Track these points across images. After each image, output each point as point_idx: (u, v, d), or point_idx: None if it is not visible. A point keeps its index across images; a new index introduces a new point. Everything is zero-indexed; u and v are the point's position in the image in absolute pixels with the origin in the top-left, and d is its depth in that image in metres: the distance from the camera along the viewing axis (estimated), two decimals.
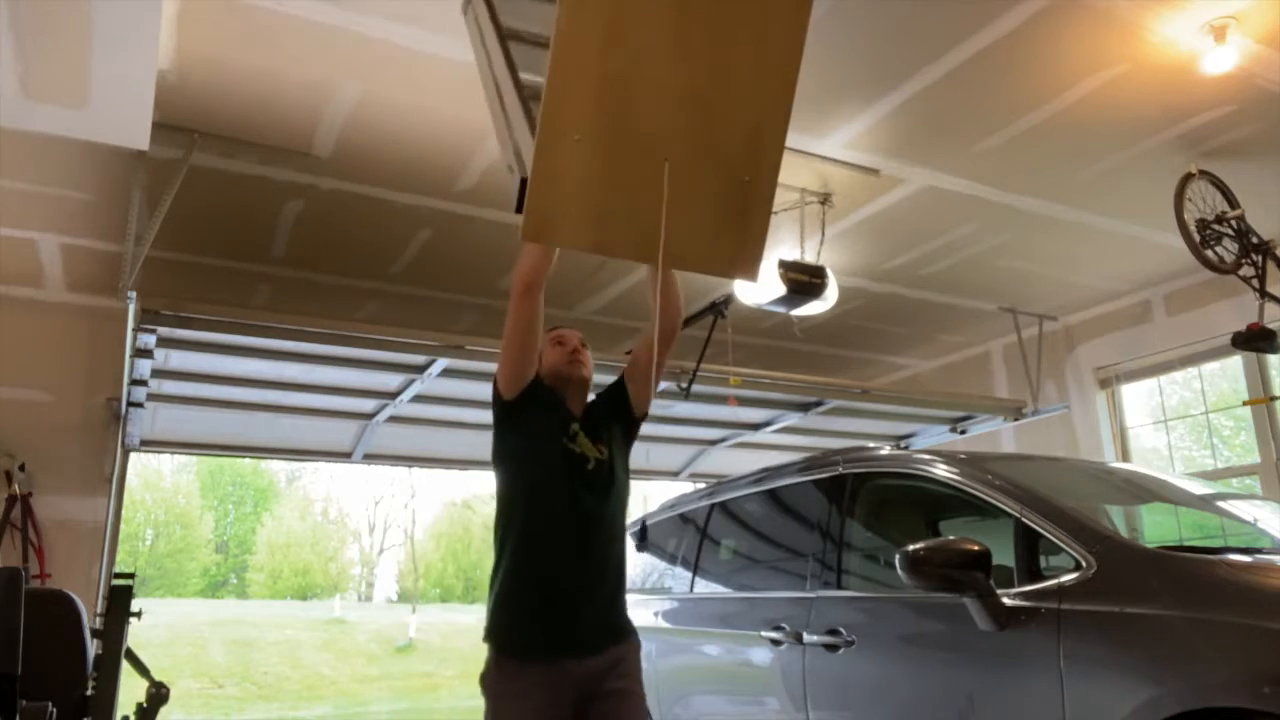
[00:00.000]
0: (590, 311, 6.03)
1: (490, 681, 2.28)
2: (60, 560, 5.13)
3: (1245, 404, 5.60)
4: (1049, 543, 2.46)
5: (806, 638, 3.08)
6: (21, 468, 5.13)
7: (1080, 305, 6.34)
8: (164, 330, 4.03)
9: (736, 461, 6.76)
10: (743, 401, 5.77)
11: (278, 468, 33.30)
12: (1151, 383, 6.28)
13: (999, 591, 2.40)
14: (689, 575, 4.08)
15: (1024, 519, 2.55)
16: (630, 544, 4.23)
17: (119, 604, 3.18)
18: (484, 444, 6.83)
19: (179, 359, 4.66)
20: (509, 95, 2.04)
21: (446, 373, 4.88)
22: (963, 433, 6.61)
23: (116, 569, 5.29)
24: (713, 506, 4.14)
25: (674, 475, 7.55)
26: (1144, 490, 3.24)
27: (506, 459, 2.44)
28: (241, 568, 32.55)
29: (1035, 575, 2.44)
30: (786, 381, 5.51)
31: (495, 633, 2.31)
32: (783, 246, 4.75)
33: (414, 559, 31.81)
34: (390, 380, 5.14)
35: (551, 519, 2.32)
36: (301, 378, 5.04)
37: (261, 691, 19.03)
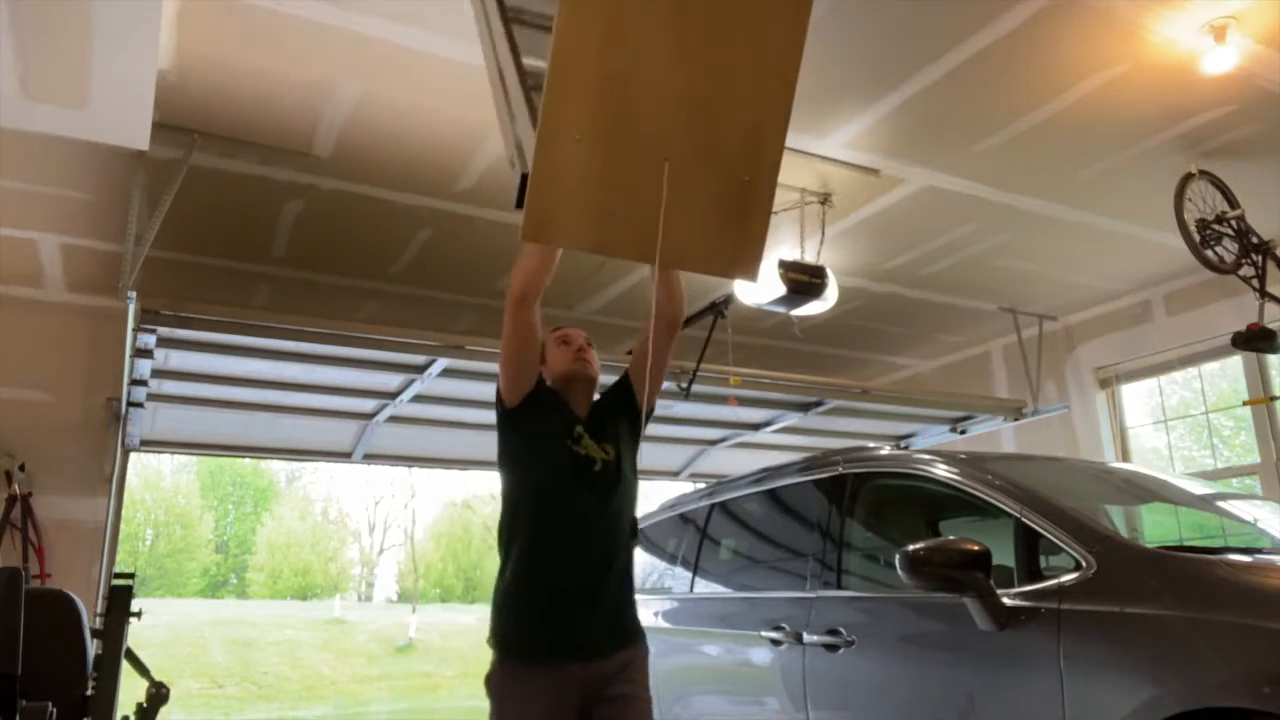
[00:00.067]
0: (590, 311, 6.03)
1: (495, 684, 2.26)
2: (60, 560, 5.13)
3: (1245, 404, 5.60)
4: (1049, 543, 2.46)
5: (806, 638, 3.08)
6: (21, 468, 5.13)
7: (1080, 305, 6.34)
8: (164, 330, 4.03)
9: (736, 461, 6.76)
10: (743, 401, 5.77)
11: (278, 468, 33.32)
12: (1151, 383, 6.28)
13: (999, 591, 2.40)
14: (689, 575, 4.08)
15: (1024, 519, 2.55)
16: None
17: (119, 604, 3.18)
18: (484, 444, 6.85)
19: (179, 359, 4.66)
20: (512, 84, 2.03)
21: (446, 373, 4.88)
22: (963, 433, 6.61)
23: (116, 569, 5.29)
24: (713, 506, 4.14)
25: (674, 475, 7.55)
26: (1144, 490, 3.24)
27: (511, 462, 2.42)
28: (241, 568, 32.55)
29: (1035, 575, 2.45)
30: (786, 381, 5.52)
31: (500, 635, 2.29)
32: (783, 246, 4.75)
33: (414, 559, 31.82)
34: (390, 380, 5.14)
35: (557, 522, 2.30)
36: (301, 378, 5.04)
37: (261, 691, 19.03)
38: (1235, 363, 5.70)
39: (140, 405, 4.85)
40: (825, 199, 4.64)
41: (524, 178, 1.78)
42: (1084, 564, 2.32)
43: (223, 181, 4.28)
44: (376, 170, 4.26)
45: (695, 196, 1.85)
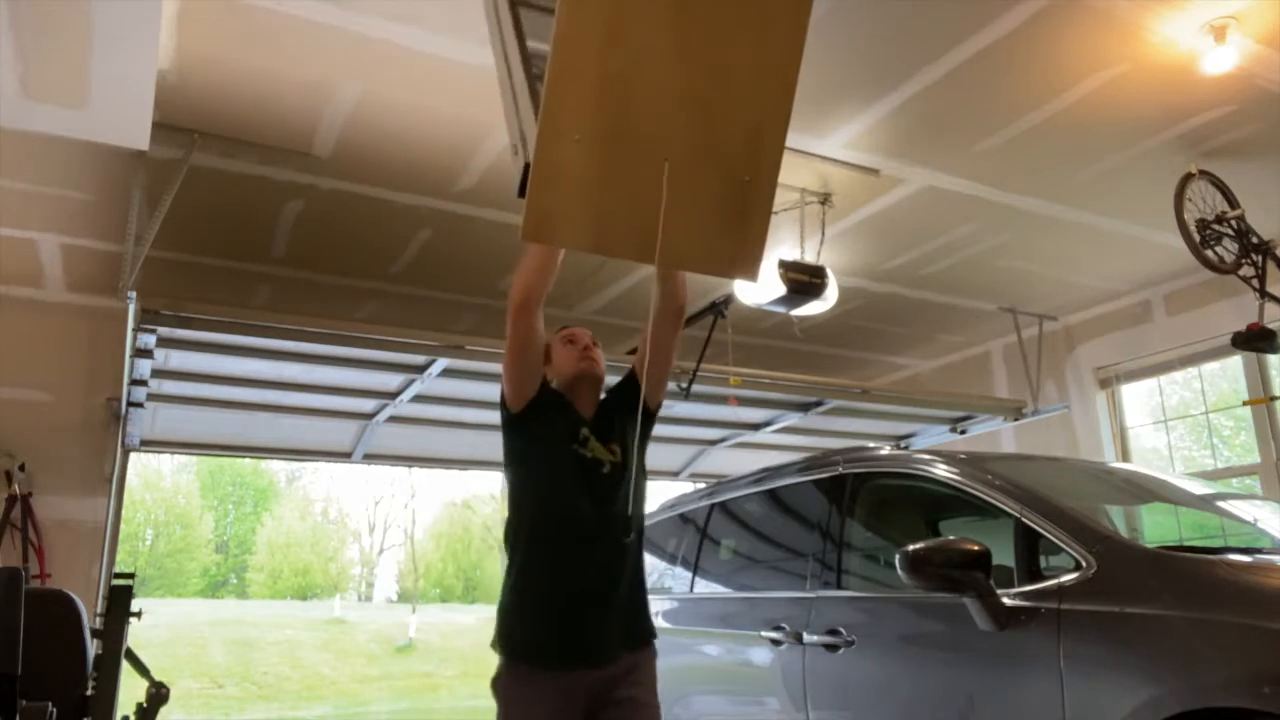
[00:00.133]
0: (590, 311, 6.03)
1: (501, 687, 2.24)
2: (60, 560, 5.13)
3: (1245, 404, 5.60)
4: (1049, 543, 2.46)
5: (806, 638, 3.08)
6: (21, 468, 5.13)
7: (1080, 305, 6.34)
8: (164, 330, 4.03)
9: (736, 461, 6.76)
10: (743, 401, 5.77)
11: (278, 468, 33.29)
12: (1151, 383, 6.28)
13: (999, 591, 2.40)
14: (689, 575, 4.09)
15: (1024, 519, 2.55)
16: None
17: (119, 604, 3.18)
18: (484, 444, 6.85)
19: (179, 359, 4.66)
20: (516, 71, 2.02)
21: (446, 373, 4.88)
22: (963, 433, 6.61)
23: (116, 569, 5.29)
24: (713, 506, 4.14)
25: (674, 475, 7.55)
26: (1144, 490, 3.24)
27: (517, 465, 2.40)
28: (241, 568, 32.54)
29: (1035, 575, 2.45)
30: (786, 381, 5.52)
31: (507, 639, 2.27)
32: (783, 246, 4.75)
33: (414, 559, 31.82)
34: (390, 380, 5.14)
35: (564, 526, 2.28)
36: (301, 378, 5.04)
37: (261, 691, 19.03)
38: (1235, 363, 5.70)
39: (140, 405, 4.85)
40: (825, 199, 4.64)
41: (527, 166, 1.78)
42: (1084, 564, 2.32)
43: (223, 181, 4.28)
44: (376, 170, 4.26)
45: (695, 196, 1.85)
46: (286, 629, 23.37)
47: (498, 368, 4.71)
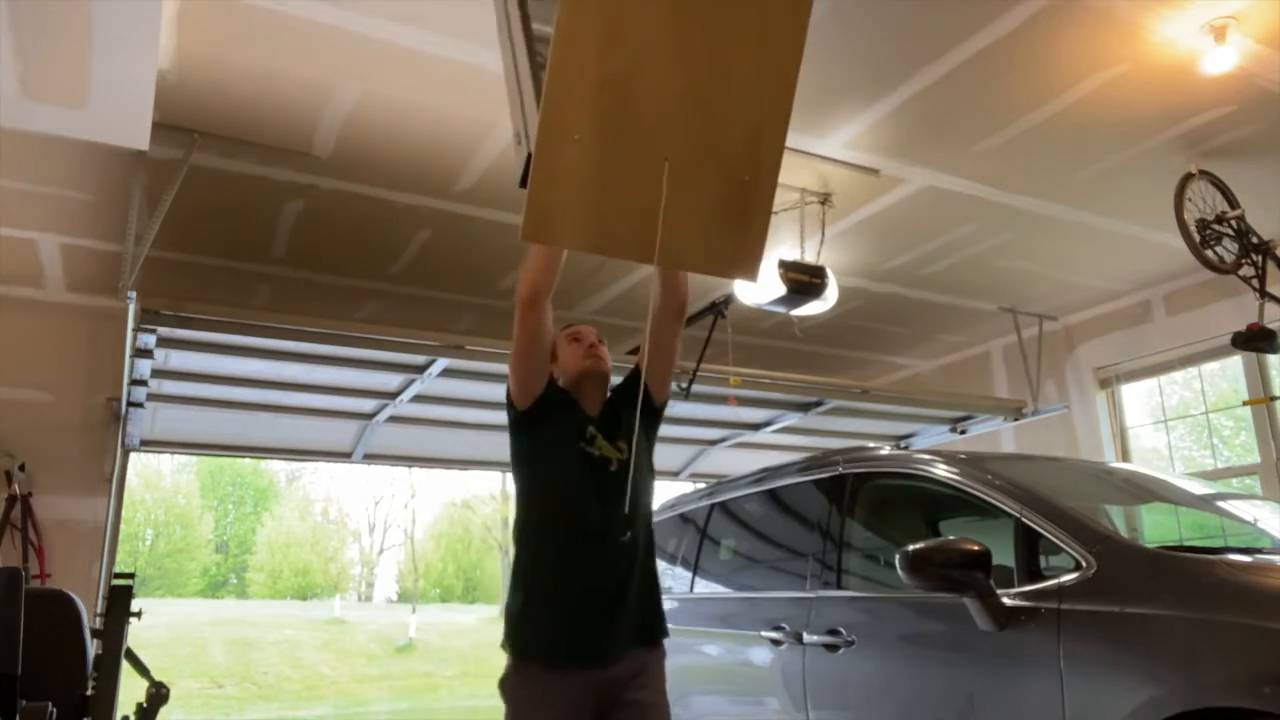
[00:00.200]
0: (590, 311, 6.03)
1: (510, 687, 2.23)
2: (60, 560, 5.13)
3: (1245, 404, 5.60)
4: (1049, 543, 2.46)
5: (806, 638, 3.08)
6: (21, 468, 5.13)
7: (1080, 305, 6.34)
8: (164, 330, 4.03)
9: (736, 461, 6.76)
10: (743, 401, 5.77)
11: (278, 468, 33.31)
12: (1151, 383, 6.28)
13: (999, 591, 2.40)
14: (689, 575, 4.09)
15: (1024, 519, 2.55)
16: None
17: (119, 604, 3.18)
18: (484, 444, 6.84)
19: (179, 359, 4.66)
20: (521, 57, 2.01)
21: (446, 373, 4.88)
22: (963, 433, 6.61)
23: (116, 569, 5.29)
24: (713, 506, 4.14)
25: (674, 475, 7.55)
26: (1144, 490, 3.24)
27: (524, 464, 2.39)
28: (241, 568, 32.55)
29: (1035, 575, 2.45)
30: (786, 381, 5.52)
31: (515, 638, 2.25)
32: (783, 246, 4.75)
33: (414, 559, 31.82)
34: (390, 380, 5.14)
35: (572, 525, 2.27)
36: (301, 378, 5.04)
37: (261, 691, 19.04)
38: (1235, 363, 5.70)
39: (140, 405, 4.86)
40: (825, 199, 4.64)
41: (529, 157, 1.77)
42: (1084, 564, 2.32)
43: (223, 181, 4.28)
44: (376, 170, 4.26)
45: (695, 196, 1.85)
46: (286, 629, 23.38)
47: (498, 368, 4.76)
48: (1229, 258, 4.33)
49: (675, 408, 5.59)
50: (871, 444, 4.21)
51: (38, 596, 2.78)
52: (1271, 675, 1.81)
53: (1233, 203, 4.32)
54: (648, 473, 2.45)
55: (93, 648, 3.02)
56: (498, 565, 29.99)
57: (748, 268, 1.96)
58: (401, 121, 3.87)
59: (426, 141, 4.03)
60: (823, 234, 4.77)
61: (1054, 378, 6.53)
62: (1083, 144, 4.16)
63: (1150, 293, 6.03)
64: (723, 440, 6.92)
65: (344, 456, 6.40)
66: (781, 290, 4.33)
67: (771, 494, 3.79)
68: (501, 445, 6.73)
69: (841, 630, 2.95)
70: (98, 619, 3.29)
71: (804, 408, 6.06)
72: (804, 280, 4.36)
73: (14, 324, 5.29)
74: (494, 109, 3.76)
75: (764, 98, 1.84)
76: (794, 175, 4.39)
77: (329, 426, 5.93)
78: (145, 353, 4.18)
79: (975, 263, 5.51)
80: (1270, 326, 4.52)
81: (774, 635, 3.23)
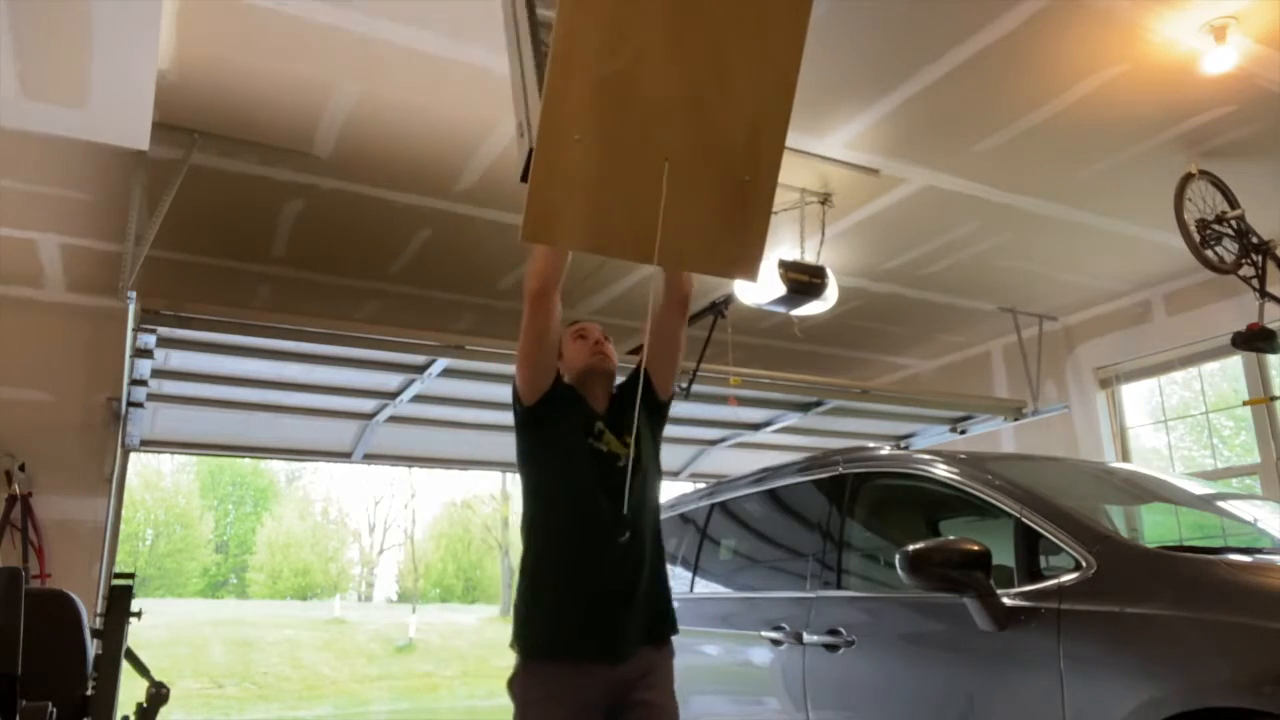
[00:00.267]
0: (590, 311, 6.03)
1: (518, 687, 2.21)
2: (60, 560, 5.13)
3: (1245, 404, 5.60)
4: (1049, 543, 2.46)
5: (806, 638, 3.08)
6: (21, 468, 5.13)
7: (1080, 305, 6.34)
8: (164, 330, 4.03)
9: (736, 461, 6.76)
10: (743, 401, 5.77)
11: (278, 468, 33.33)
12: (1151, 383, 6.28)
13: (999, 591, 2.40)
14: (689, 575, 4.09)
15: (1024, 519, 2.55)
16: None
17: (119, 604, 3.18)
18: (484, 444, 6.82)
19: (179, 359, 4.66)
20: (525, 45, 2.00)
21: (446, 373, 4.88)
22: (963, 433, 6.61)
23: (116, 569, 5.29)
24: (712, 506, 4.14)
25: (674, 475, 7.55)
26: (1144, 490, 3.24)
27: (531, 461, 2.38)
28: (241, 568, 32.56)
29: (1035, 575, 2.45)
30: (786, 381, 5.52)
31: (524, 636, 2.24)
32: (783, 246, 4.75)
33: (414, 559, 31.83)
34: (390, 380, 5.14)
35: (581, 520, 2.26)
36: (301, 378, 5.04)
37: (261, 691, 19.03)
38: (1235, 363, 5.70)
39: (140, 405, 4.86)
40: (825, 199, 4.64)
41: (531, 152, 1.77)
42: (1084, 564, 2.32)
43: (223, 181, 4.28)
44: (376, 170, 4.26)
45: (695, 196, 1.85)
46: (286, 629, 23.38)
47: (498, 368, 4.76)
48: (1229, 258, 4.33)
49: (675, 408, 5.53)
50: (871, 444, 4.21)
51: (38, 596, 2.78)
52: (1271, 675, 1.81)
53: (1233, 203, 4.32)
54: (654, 469, 2.44)
55: (93, 648, 3.02)
56: (498, 565, 30.00)
57: (748, 268, 1.96)
58: (401, 121, 3.87)
59: (426, 141, 4.03)
60: (823, 234, 4.77)
61: (1054, 378, 6.53)
62: (1083, 144, 4.16)
63: (1150, 293, 6.03)
64: (723, 440, 6.92)
65: (344, 456, 6.40)
66: (781, 290, 4.32)
67: (771, 494, 3.79)
68: (502, 445, 6.74)
69: (841, 630, 2.95)
70: (98, 619, 3.29)
71: (804, 408, 6.06)
72: (804, 280, 4.35)
73: (14, 324, 5.29)
74: (494, 109, 3.77)
75: (764, 98, 1.84)
76: (794, 175, 4.39)
77: (329, 426, 5.93)
78: (145, 353, 4.18)
79: (975, 263, 5.51)
80: (1270, 326, 4.52)
81: (774, 635, 3.23)
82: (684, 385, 5.06)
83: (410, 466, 10.88)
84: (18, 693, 2.27)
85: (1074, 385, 6.46)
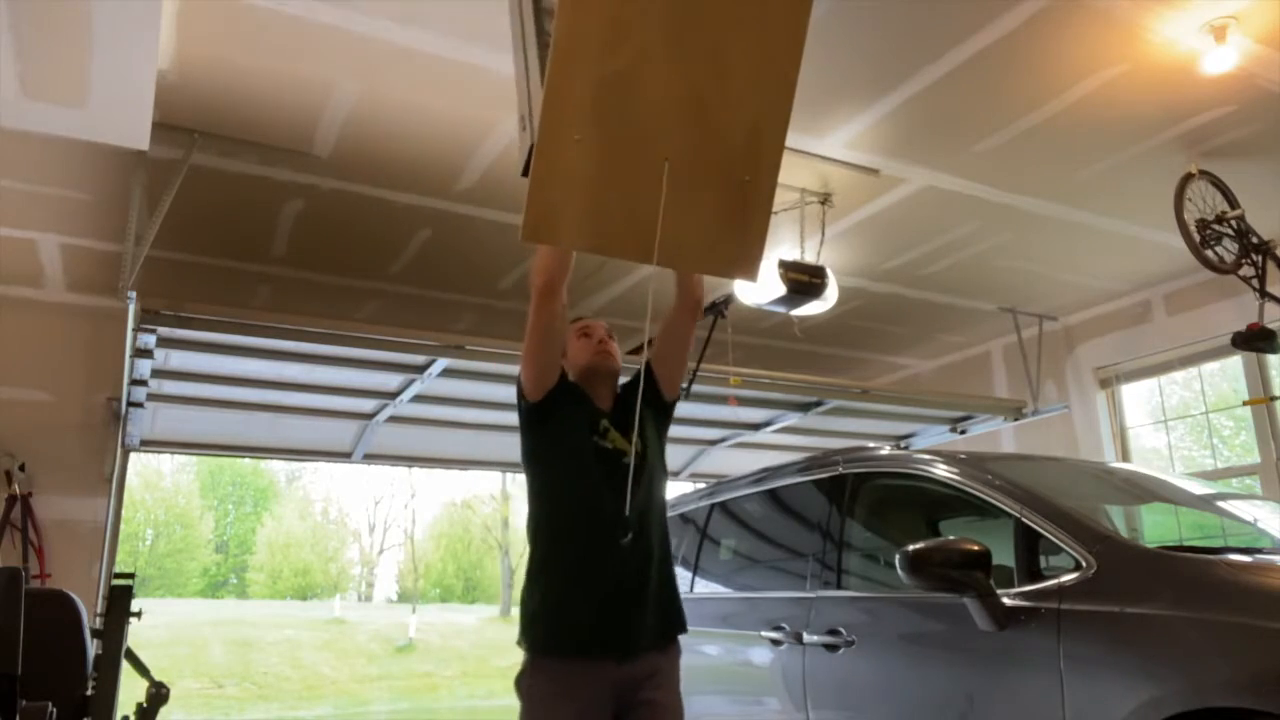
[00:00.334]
0: (590, 311, 6.03)
1: (526, 684, 2.20)
2: (60, 560, 5.13)
3: (1245, 404, 5.60)
4: (1049, 543, 2.46)
5: (806, 638, 3.08)
6: (21, 468, 5.13)
7: (1080, 305, 6.34)
8: (164, 330, 4.03)
9: (736, 461, 6.76)
10: (743, 401, 5.77)
11: (278, 468, 33.34)
12: (1151, 383, 6.28)
13: (999, 591, 2.40)
14: (689, 575, 4.09)
15: (1024, 519, 2.55)
16: None
17: (119, 604, 3.18)
18: (484, 444, 6.81)
19: (179, 359, 4.66)
20: (530, 35, 2.00)
21: (446, 373, 4.88)
22: (963, 433, 6.61)
23: (116, 569, 5.29)
24: (712, 506, 4.14)
25: (674, 475, 7.56)
26: (1144, 490, 3.24)
27: (536, 459, 2.37)
28: (241, 568, 32.57)
29: (1035, 575, 2.45)
30: (786, 381, 5.51)
31: (532, 633, 2.23)
32: (783, 246, 4.75)
33: (414, 559, 31.83)
34: (390, 380, 5.14)
35: (587, 518, 2.25)
36: (301, 378, 5.04)
37: (261, 691, 19.03)
38: (1235, 363, 5.70)
39: (140, 405, 4.86)
40: (825, 199, 4.64)
41: (532, 147, 1.77)
42: (1084, 564, 2.32)
43: (223, 181, 4.28)
44: (376, 170, 4.26)
45: (695, 196, 1.85)
46: (286, 629, 23.38)
47: (498, 368, 4.76)
48: (1229, 258, 4.33)
49: (675, 407, 5.58)
50: (871, 444, 4.21)
51: (38, 596, 2.78)
52: (1271, 675, 1.81)
53: (1233, 203, 4.32)
54: (660, 466, 2.44)
55: (93, 648, 3.02)
56: (498, 565, 30.00)
57: (748, 268, 1.96)
58: (401, 121, 3.87)
59: (426, 141, 4.03)
60: (823, 234, 4.77)
61: (1054, 378, 6.53)
62: (1083, 144, 4.16)
63: (1150, 293, 6.03)
64: (723, 440, 6.92)
65: (344, 456, 6.39)
66: (781, 290, 4.32)
67: (771, 494, 3.79)
68: (502, 445, 6.73)
69: (841, 630, 2.95)
70: (98, 619, 3.29)
71: (804, 408, 6.06)
72: (804, 280, 4.35)
73: (14, 324, 5.29)
74: (494, 109, 3.77)
75: (764, 97, 1.84)
76: (794, 175, 4.39)
77: (329, 426, 5.93)
78: (145, 353, 4.18)
79: (975, 263, 5.51)
80: (1270, 326, 4.52)
81: (774, 635, 3.23)
82: (684, 385, 5.05)
83: (410, 466, 10.88)
84: (18, 693, 2.27)
85: (1074, 385, 6.46)
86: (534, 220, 1.78)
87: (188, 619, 23.03)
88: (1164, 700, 1.96)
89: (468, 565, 32.43)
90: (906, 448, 6.60)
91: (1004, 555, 2.52)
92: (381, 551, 33.71)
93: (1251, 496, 4.91)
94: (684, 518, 4.33)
